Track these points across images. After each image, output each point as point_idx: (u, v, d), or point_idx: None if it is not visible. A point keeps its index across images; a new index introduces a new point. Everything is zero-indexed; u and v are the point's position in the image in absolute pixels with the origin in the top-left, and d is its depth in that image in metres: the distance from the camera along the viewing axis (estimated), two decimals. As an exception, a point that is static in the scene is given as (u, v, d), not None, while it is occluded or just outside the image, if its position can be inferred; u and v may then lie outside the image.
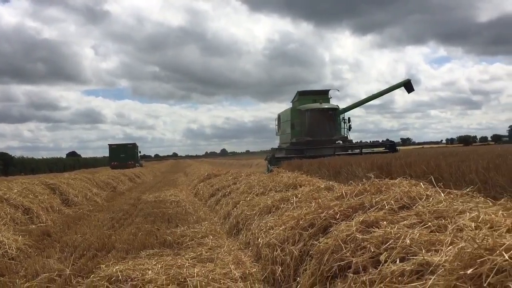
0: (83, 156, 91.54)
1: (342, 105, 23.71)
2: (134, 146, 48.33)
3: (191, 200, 12.03)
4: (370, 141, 24.07)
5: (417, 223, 3.37)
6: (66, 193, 11.39)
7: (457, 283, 2.10)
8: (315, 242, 3.84)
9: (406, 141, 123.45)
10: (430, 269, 2.58)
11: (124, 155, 45.50)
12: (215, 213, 9.08)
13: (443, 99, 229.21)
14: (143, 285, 3.70)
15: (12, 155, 60.58)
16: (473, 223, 2.94)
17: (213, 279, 3.70)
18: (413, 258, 2.73)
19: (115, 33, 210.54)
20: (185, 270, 3.98)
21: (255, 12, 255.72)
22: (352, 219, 3.81)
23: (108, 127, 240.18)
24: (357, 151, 20.34)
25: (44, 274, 4.56)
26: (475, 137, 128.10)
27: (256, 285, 3.80)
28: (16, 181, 11.26)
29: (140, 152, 54.31)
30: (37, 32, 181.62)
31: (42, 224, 8.07)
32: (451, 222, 3.20)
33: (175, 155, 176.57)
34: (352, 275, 3.09)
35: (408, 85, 23.15)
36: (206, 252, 5.01)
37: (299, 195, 6.05)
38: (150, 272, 4.00)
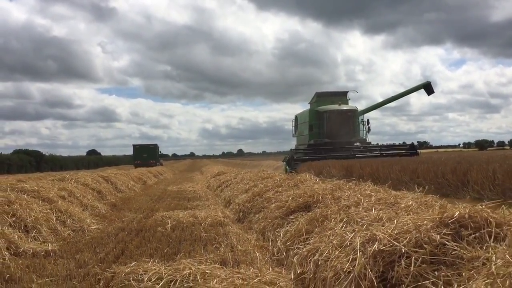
0: (102, 154, 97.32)
1: (358, 107, 23.38)
2: (155, 147, 53.39)
3: (204, 190, 16.63)
4: (387, 144, 23.99)
5: (296, 190, 7.85)
6: (115, 183, 16.07)
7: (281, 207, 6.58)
8: (257, 201, 8.38)
9: (423, 145, 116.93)
10: (284, 203, 7.08)
11: (146, 154, 50.40)
12: (219, 197, 13.63)
13: (461, 102, 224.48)
14: (178, 218, 8.27)
15: (44, 153, 66.21)
16: (309, 189, 7.40)
17: (209, 215, 8.28)
18: (279, 201, 7.21)
19: (124, 31, 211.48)
20: (197, 213, 8.57)
21: (262, 11, 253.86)
22: (272, 190, 8.34)
23: (124, 126, 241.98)
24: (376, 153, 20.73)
25: (128, 217, 9.20)
26: (492, 141, 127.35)
27: (229, 219, 8.35)
28: (82, 174, 15.99)
29: (160, 152, 59.58)
30: (46, 30, 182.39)
31: (108, 200, 12.74)
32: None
33: (192, 155, 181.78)
34: (264, 210, 7.61)
35: (428, 87, 22.92)
36: (209, 210, 9.58)
37: (263, 182, 10.57)
38: (181, 215, 8.59)
